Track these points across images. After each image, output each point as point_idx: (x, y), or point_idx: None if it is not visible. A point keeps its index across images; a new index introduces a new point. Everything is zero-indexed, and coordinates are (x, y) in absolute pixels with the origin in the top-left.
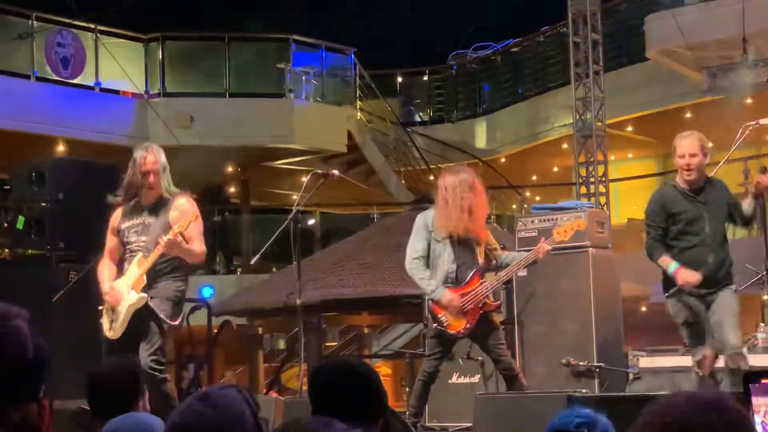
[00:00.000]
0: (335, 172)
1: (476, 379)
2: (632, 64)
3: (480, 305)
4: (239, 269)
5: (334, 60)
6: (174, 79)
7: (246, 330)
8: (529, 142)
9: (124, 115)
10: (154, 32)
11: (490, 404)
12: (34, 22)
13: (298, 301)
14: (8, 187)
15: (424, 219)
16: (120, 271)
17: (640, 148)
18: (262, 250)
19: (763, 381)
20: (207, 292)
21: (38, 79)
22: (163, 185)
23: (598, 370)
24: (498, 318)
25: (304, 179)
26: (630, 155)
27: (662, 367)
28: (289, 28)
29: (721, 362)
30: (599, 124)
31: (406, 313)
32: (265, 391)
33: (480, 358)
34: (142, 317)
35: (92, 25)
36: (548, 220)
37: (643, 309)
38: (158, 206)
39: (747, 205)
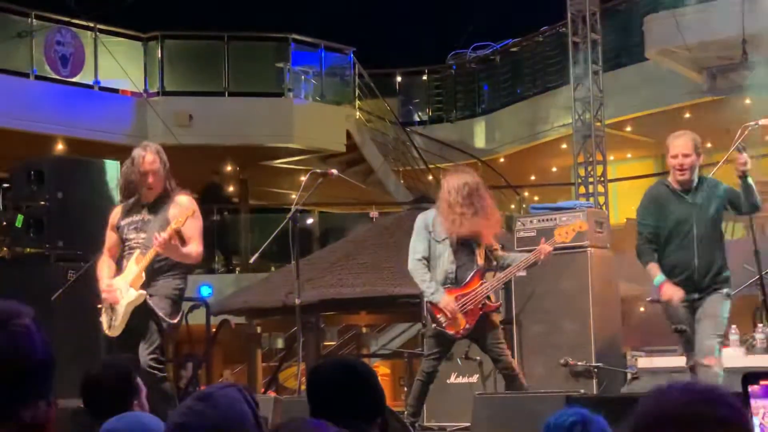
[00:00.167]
0: (334, 171)
1: (474, 379)
2: (631, 64)
3: (480, 306)
4: (238, 268)
5: (333, 59)
6: (173, 78)
7: (244, 329)
8: (528, 142)
9: (123, 114)
10: (154, 31)
11: (489, 404)
12: (34, 20)
13: (296, 301)
14: (7, 185)
15: (424, 219)
16: (119, 268)
17: (639, 148)
18: (261, 250)
19: (762, 382)
20: (206, 291)
21: (37, 77)
22: (163, 184)
23: (596, 370)
24: (497, 318)
25: (303, 178)
26: (629, 155)
27: (660, 368)
28: (288, 27)
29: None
30: (598, 124)
31: (404, 313)
32: (263, 390)
33: (478, 357)
34: (141, 315)
35: (91, 24)
36: (547, 220)
37: (642, 309)
38: (158, 204)
39: (740, 190)
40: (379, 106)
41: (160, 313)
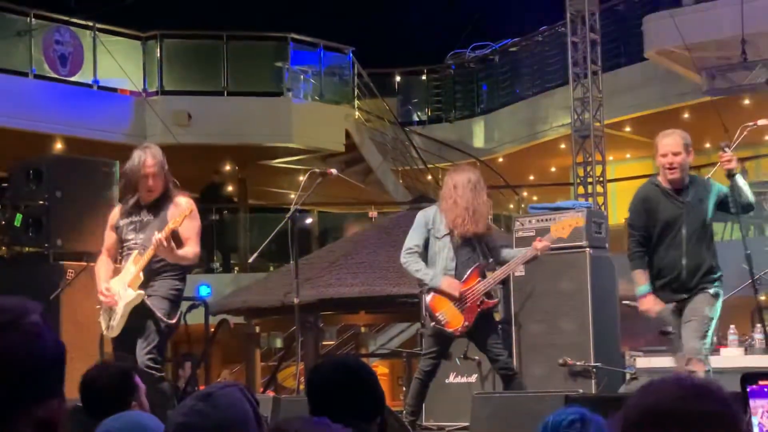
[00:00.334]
0: (333, 171)
1: (473, 378)
2: (630, 64)
3: (478, 303)
4: (237, 268)
5: (332, 59)
6: (172, 77)
7: (243, 329)
8: (527, 141)
9: (122, 114)
10: (153, 30)
11: (487, 404)
12: (33, 19)
13: (295, 300)
14: (6, 184)
15: (424, 216)
16: (118, 269)
17: (638, 148)
18: (260, 249)
19: (761, 382)
20: (204, 291)
21: (36, 76)
22: (162, 185)
23: (595, 370)
24: (496, 317)
25: (302, 178)
26: (628, 155)
27: (659, 368)
28: (287, 26)
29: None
30: (597, 124)
31: (403, 313)
32: (261, 390)
33: (477, 357)
34: (140, 315)
35: (90, 23)
36: (546, 219)
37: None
38: (157, 204)
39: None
40: (378, 106)
41: (159, 314)
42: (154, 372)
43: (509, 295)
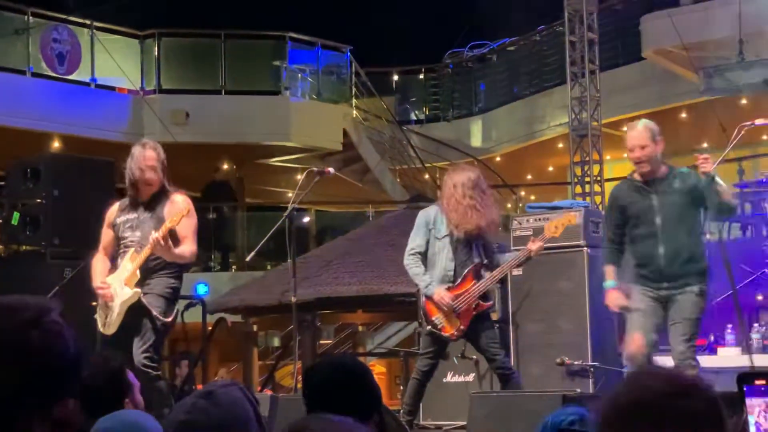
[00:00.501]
0: (330, 169)
1: (471, 377)
2: (628, 63)
3: (473, 306)
4: (234, 266)
5: (330, 58)
6: (170, 75)
7: (240, 327)
8: (525, 141)
9: (120, 112)
10: (151, 29)
11: (485, 403)
12: (30, 17)
13: (293, 299)
14: (3, 183)
15: (425, 216)
16: (114, 266)
17: None
18: (257, 248)
19: (757, 382)
20: (202, 289)
21: (34, 75)
22: (160, 181)
23: (592, 369)
24: (493, 317)
25: (300, 177)
26: (625, 155)
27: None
28: (285, 25)
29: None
30: (595, 123)
31: (400, 312)
32: (259, 388)
33: (475, 356)
34: (136, 313)
35: (88, 21)
36: (543, 219)
37: None
38: (154, 202)
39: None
40: (376, 105)
41: (155, 312)
42: (150, 371)
43: (507, 295)
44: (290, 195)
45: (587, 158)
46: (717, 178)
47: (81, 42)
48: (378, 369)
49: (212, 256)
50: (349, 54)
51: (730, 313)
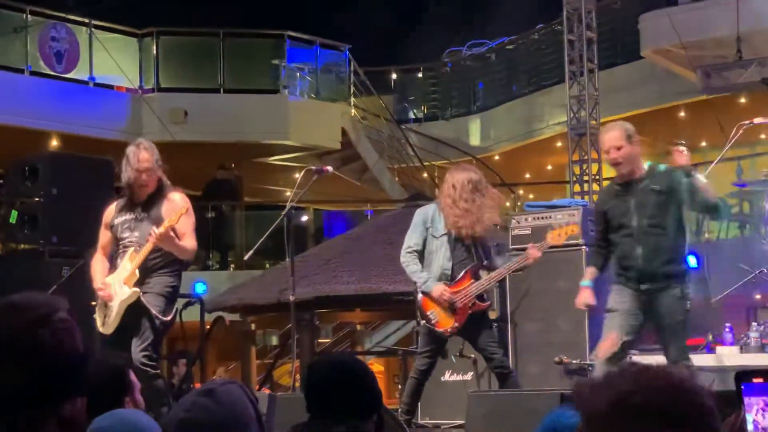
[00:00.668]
0: (329, 168)
1: (469, 376)
2: (627, 62)
3: (469, 305)
4: (232, 265)
5: (328, 56)
6: (168, 74)
7: (239, 326)
8: (523, 139)
9: (118, 111)
10: (149, 27)
11: (483, 402)
12: (29, 16)
13: (291, 298)
14: (1, 181)
15: (424, 214)
16: (113, 266)
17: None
18: (255, 246)
19: (755, 380)
20: (200, 288)
21: (32, 73)
22: (156, 182)
23: (590, 368)
24: (491, 315)
25: (298, 176)
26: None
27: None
28: (283, 24)
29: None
30: (593, 122)
31: (399, 311)
32: (257, 387)
33: (473, 355)
34: (135, 313)
35: (86, 20)
36: (542, 218)
37: None
38: (151, 202)
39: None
40: (375, 104)
41: (154, 311)
42: (149, 369)
43: (505, 294)
44: (288, 194)
45: (586, 157)
46: (696, 174)
47: (79, 40)
48: (376, 368)
49: (210, 255)
50: (347, 53)
51: (729, 312)
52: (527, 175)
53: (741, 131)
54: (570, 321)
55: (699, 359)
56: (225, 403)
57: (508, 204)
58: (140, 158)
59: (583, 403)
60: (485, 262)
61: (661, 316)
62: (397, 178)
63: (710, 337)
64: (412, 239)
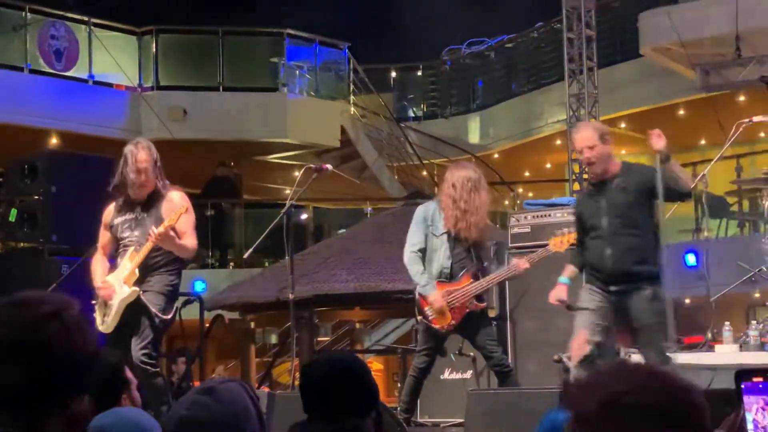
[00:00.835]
0: (328, 166)
1: (468, 374)
2: (626, 60)
3: (467, 304)
4: (232, 263)
5: (327, 54)
6: (168, 72)
7: (238, 324)
8: (523, 138)
9: (118, 109)
10: (148, 25)
11: (482, 400)
12: (28, 14)
13: (290, 296)
14: (1, 179)
15: (424, 211)
16: (113, 265)
17: (633, 144)
18: (255, 245)
19: (755, 379)
20: (199, 286)
21: (31, 71)
22: (154, 181)
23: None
24: (490, 314)
25: (297, 174)
26: (623, 152)
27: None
28: (283, 22)
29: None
30: (593, 120)
31: (398, 309)
32: (256, 385)
33: (472, 354)
34: (135, 311)
35: (86, 18)
36: (541, 216)
37: None
38: (150, 201)
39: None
40: (374, 102)
41: (154, 309)
42: (148, 367)
43: (504, 292)
44: (288, 192)
45: None
46: (673, 162)
47: (79, 38)
48: (375, 366)
49: (210, 253)
50: (347, 51)
51: (728, 310)
52: (526, 174)
53: (740, 129)
54: (569, 319)
55: (698, 357)
56: (225, 401)
57: (507, 202)
58: (138, 158)
59: (573, 403)
60: (485, 264)
61: (633, 319)
62: (396, 177)
63: (709, 335)
64: (415, 237)
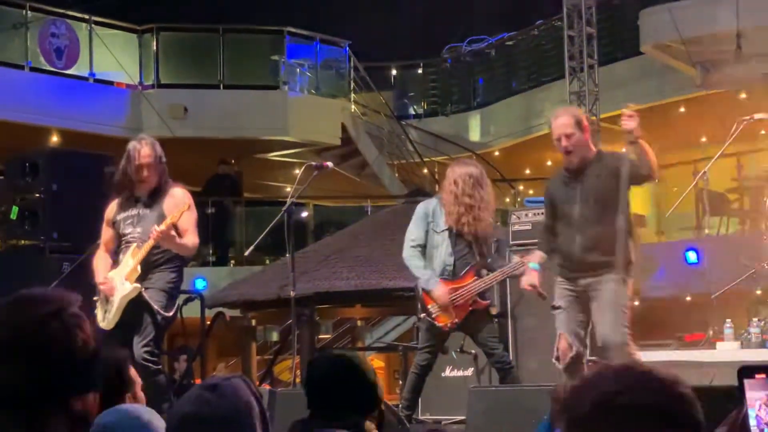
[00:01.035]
0: (329, 164)
1: (469, 372)
2: (626, 58)
3: (470, 302)
4: (233, 261)
5: (328, 52)
6: (168, 70)
7: (239, 322)
8: (523, 135)
9: (118, 106)
10: (149, 23)
11: (484, 397)
12: (29, 12)
13: (291, 293)
14: (2, 177)
15: (425, 208)
16: (116, 262)
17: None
18: (256, 242)
19: (758, 375)
20: (200, 284)
21: (32, 69)
22: (157, 177)
23: (590, 363)
24: (492, 311)
25: (298, 171)
26: (623, 149)
27: (654, 362)
28: (283, 20)
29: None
30: (593, 118)
31: (399, 306)
32: (258, 383)
33: (473, 351)
34: (136, 308)
35: (86, 16)
36: (542, 213)
37: (636, 304)
38: (153, 197)
39: (634, 157)
40: (375, 100)
41: (155, 306)
42: (150, 365)
43: (506, 289)
44: (288, 190)
45: None
46: (643, 143)
47: (79, 36)
48: (377, 363)
49: (211, 251)
50: (347, 49)
51: (729, 307)
52: (527, 171)
53: (741, 127)
54: None
55: (699, 355)
56: (229, 398)
57: (507, 200)
58: (141, 153)
59: (565, 404)
60: (489, 260)
61: (600, 302)
62: (396, 174)
63: (710, 332)
64: (414, 233)
